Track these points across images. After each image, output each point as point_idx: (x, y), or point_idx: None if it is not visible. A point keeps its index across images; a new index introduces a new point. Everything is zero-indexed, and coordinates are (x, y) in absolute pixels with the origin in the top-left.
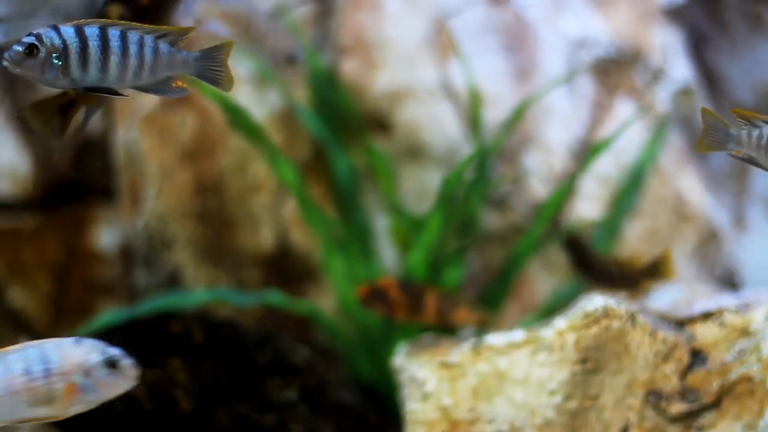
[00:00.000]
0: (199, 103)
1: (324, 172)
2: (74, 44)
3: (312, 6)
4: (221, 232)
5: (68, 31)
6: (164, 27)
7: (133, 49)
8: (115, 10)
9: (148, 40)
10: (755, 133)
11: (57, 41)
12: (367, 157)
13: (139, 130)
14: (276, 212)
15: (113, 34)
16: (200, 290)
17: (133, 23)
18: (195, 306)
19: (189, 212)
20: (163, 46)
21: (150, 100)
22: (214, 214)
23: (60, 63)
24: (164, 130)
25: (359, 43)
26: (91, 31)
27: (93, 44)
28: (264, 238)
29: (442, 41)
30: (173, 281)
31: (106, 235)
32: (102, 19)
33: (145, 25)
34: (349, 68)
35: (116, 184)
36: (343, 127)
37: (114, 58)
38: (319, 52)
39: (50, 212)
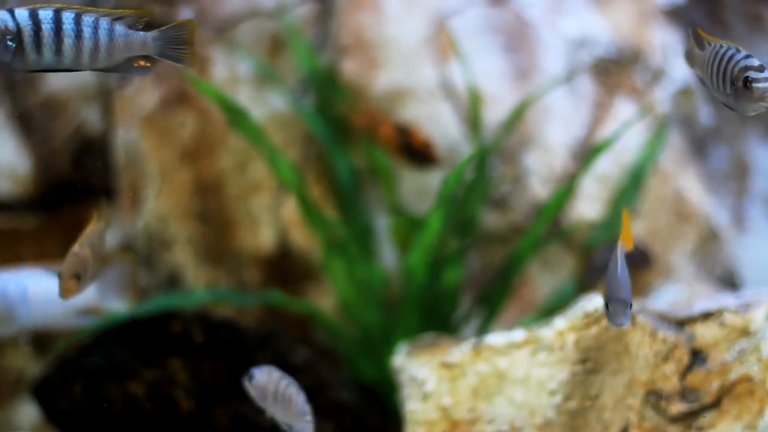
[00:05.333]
0: (199, 103)
1: (324, 172)
2: (27, 27)
3: (312, 6)
4: (221, 232)
5: (22, 14)
6: (121, 10)
7: (87, 31)
8: None
9: (104, 22)
10: (702, 53)
11: (11, 24)
12: (368, 157)
13: (139, 130)
14: (276, 212)
15: (67, 16)
16: (200, 290)
17: (90, 7)
18: (195, 306)
19: (189, 212)
20: (119, 28)
21: (150, 100)
22: (214, 214)
23: (14, 45)
24: (164, 130)
25: (359, 43)
26: (45, 15)
27: (46, 27)
28: (264, 238)
29: (442, 41)
30: (173, 281)
31: (106, 235)
32: (58, 3)
33: (101, 9)
34: (349, 68)
35: (116, 184)
36: (344, 127)
37: (68, 41)
38: (319, 52)
39: (50, 212)
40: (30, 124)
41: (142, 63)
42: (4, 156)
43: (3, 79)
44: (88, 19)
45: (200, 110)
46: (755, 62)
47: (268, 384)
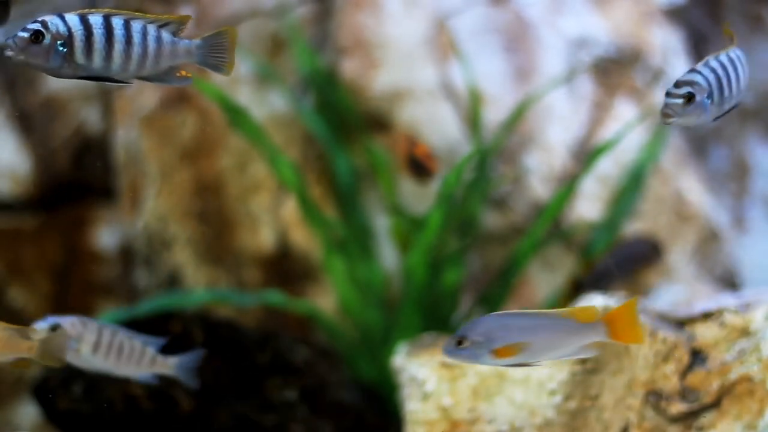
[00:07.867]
0: (199, 103)
1: (324, 172)
2: (79, 32)
3: (312, 6)
4: (221, 232)
5: (73, 18)
6: (165, 16)
7: (137, 37)
8: None
9: (151, 29)
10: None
11: (62, 28)
12: (367, 157)
13: (139, 130)
14: (276, 212)
15: (117, 22)
16: (200, 290)
17: (135, 13)
18: (195, 306)
19: (189, 212)
20: (165, 35)
21: (150, 100)
22: (214, 214)
23: (65, 50)
24: (164, 130)
25: (359, 43)
26: (95, 20)
27: (97, 32)
28: (264, 238)
29: (442, 41)
30: (173, 281)
31: (106, 235)
32: (105, 9)
33: (147, 15)
34: (349, 68)
35: (116, 184)
36: (343, 127)
37: (118, 47)
38: (319, 52)
39: (50, 212)
40: (30, 124)
41: (183, 72)
42: (4, 156)
43: (3, 79)
44: (136, 26)
45: (200, 110)
46: (687, 77)
47: (84, 334)
